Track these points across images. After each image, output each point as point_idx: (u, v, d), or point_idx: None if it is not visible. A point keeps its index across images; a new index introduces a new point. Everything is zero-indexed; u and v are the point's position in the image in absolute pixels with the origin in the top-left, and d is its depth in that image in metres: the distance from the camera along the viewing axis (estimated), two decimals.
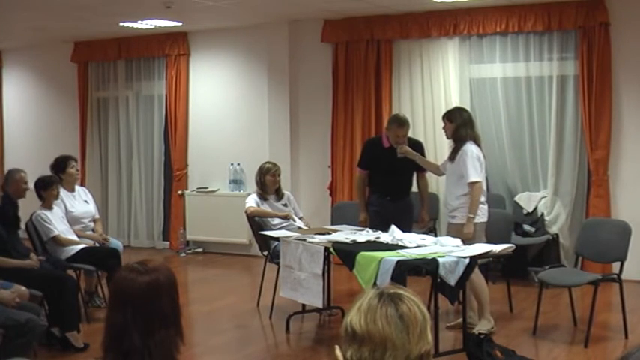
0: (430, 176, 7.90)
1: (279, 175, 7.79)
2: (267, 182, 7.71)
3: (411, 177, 7.58)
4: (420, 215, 7.67)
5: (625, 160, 8.54)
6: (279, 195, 7.81)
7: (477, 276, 6.35)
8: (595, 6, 8.34)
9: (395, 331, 1.94)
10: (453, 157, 6.64)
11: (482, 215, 6.55)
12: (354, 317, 1.98)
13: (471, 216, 6.48)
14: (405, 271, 5.67)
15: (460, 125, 6.58)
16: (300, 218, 7.80)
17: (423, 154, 7.52)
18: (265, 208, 7.67)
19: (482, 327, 6.34)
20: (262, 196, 7.73)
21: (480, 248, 6.02)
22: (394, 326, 1.94)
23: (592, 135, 8.50)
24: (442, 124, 6.82)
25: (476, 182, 6.46)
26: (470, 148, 6.52)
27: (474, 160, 6.49)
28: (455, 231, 6.53)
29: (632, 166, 8.52)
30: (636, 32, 8.37)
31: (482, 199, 6.57)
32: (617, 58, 8.43)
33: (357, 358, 1.95)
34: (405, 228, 6.81)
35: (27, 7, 8.70)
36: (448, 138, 6.83)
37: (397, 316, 1.95)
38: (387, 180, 7.41)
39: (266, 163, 7.92)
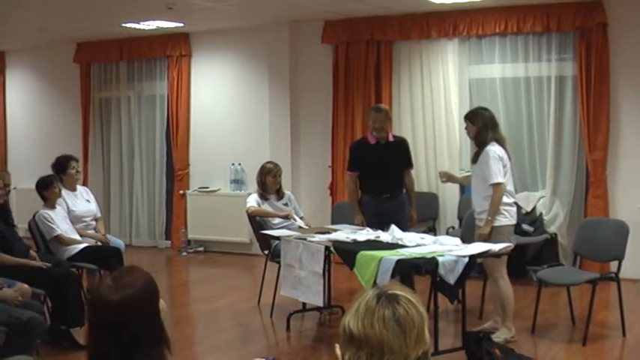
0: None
1: (279, 176, 7.82)
2: (268, 183, 7.75)
3: (401, 173, 7.57)
4: (408, 214, 7.58)
5: (623, 160, 8.58)
6: (279, 195, 7.85)
7: (505, 283, 6.35)
8: (593, 7, 8.39)
9: (392, 335, 1.94)
10: (475, 159, 6.50)
11: (510, 217, 6.38)
12: (352, 320, 1.98)
13: (489, 218, 6.28)
14: (412, 272, 5.72)
15: (482, 127, 6.38)
16: (301, 218, 7.84)
17: (407, 151, 7.59)
18: (266, 207, 7.71)
19: (501, 335, 6.28)
20: (263, 195, 7.77)
21: (479, 247, 6.03)
22: (391, 330, 1.94)
23: (590, 135, 8.55)
24: (464, 125, 6.66)
25: (498, 184, 6.26)
26: (491, 149, 6.32)
27: (495, 161, 6.28)
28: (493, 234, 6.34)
29: (630, 166, 8.56)
30: (634, 33, 8.42)
31: (510, 200, 6.39)
32: (615, 59, 8.48)
33: None
34: (402, 226, 6.83)
35: (30, 9, 8.75)
36: (471, 139, 6.67)
37: (394, 320, 1.95)
38: (377, 177, 7.41)
39: (268, 163, 7.95)
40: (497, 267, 6.35)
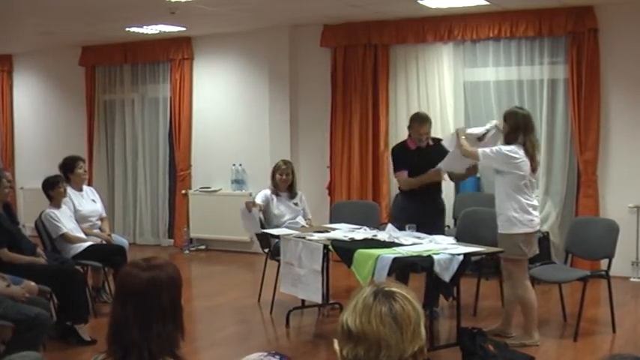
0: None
1: (288, 175, 7.88)
2: (277, 180, 7.85)
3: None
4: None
5: (613, 160, 8.67)
6: (292, 193, 7.95)
7: (523, 290, 6.26)
8: (585, 13, 8.49)
9: (389, 331, 1.96)
10: None
11: (521, 225, 6.16)
12: (350, 317, 2.01)
13: (459, 133, 6.41)
14: (408, 269, 5.81)
15: (513, 128, 6.12)
16: (308, 219, 7.91)
17: (446, 150, 7.21)
18: (276, 203, 7.80)
19: (521, 339, 6.26)
20: (275, 192, 7.87)
21: (474, 247, 6.16)
22: (388, 326, 1.96)
23: (581, 136, 8.63)
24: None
25: (477, 154, 6.23)
26: (507, 147, 6.12)
27: (503, 153, 6.10)
28: (501, 241, 6.25)
29: (619, 167, 8.64)
30: (624, 38, 8.52)
31: (523, 204, 6.15)
32: (605, 63, 8.57)
33: (352, 356, 1.99)
34: (436, 231, 6.78)
35: (36, 13, 8.82)
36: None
37: (391, 317, 1.97)
38: None
39: (280, 161, 8.05)
40: (516, 273, 6.26)
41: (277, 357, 2.32)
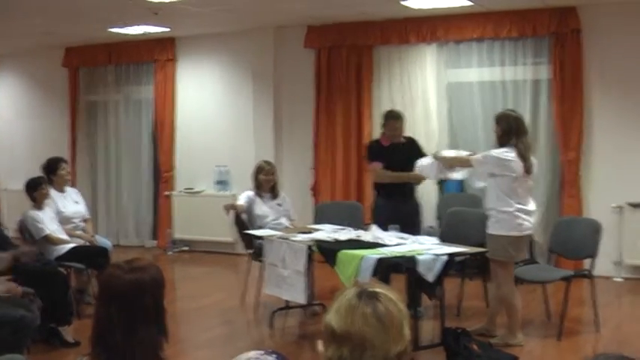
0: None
1: (272, 174, 7.88)
2: (261, 180, 7.83)
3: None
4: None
5: (596, 160, 8.72)
6: (274, 194, 7.94)
7: (508, 291, 6.27)
8: (568, 14, 8.55)
9: (373, 331, 1.96)
10: None
11: (508, 228, 6.14)
12: (334, 318, 2.01)
13: (442, 154, 6.64)
14: (390, 269, 5.81)
15: (505, 131, 6.12)
16: (292, 220, 7.90)
17: (419, 149, 7.33)
18: (259, 205, 7.78)
19: (506, 339, 6.27)
20: (258, 193, 7.86)
21: (457, 247, 6.17)
22: (372, 327, 1.97)
23: (564, 136, 8.69)
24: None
25: (471, 157, 6.36)
26: (498, 149, 6.14)
27: (492, 156, 6.13)
28: (489, 242, 6.27)
29: (602, 167, 8.70)
30: (606, 39, 8.58)
31: (509, 208, 6.12)
32: (588, 63, 8.64)
33: (337, 356, 1.99)
34: (415, 231, 6.83)
35: (18, 15, 8.77)
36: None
37: (375, 317, 1.98)
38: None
39: (262, 161, 8.06)
40: (501, 275, 6.26)
41: (274, 356, 2.30)
